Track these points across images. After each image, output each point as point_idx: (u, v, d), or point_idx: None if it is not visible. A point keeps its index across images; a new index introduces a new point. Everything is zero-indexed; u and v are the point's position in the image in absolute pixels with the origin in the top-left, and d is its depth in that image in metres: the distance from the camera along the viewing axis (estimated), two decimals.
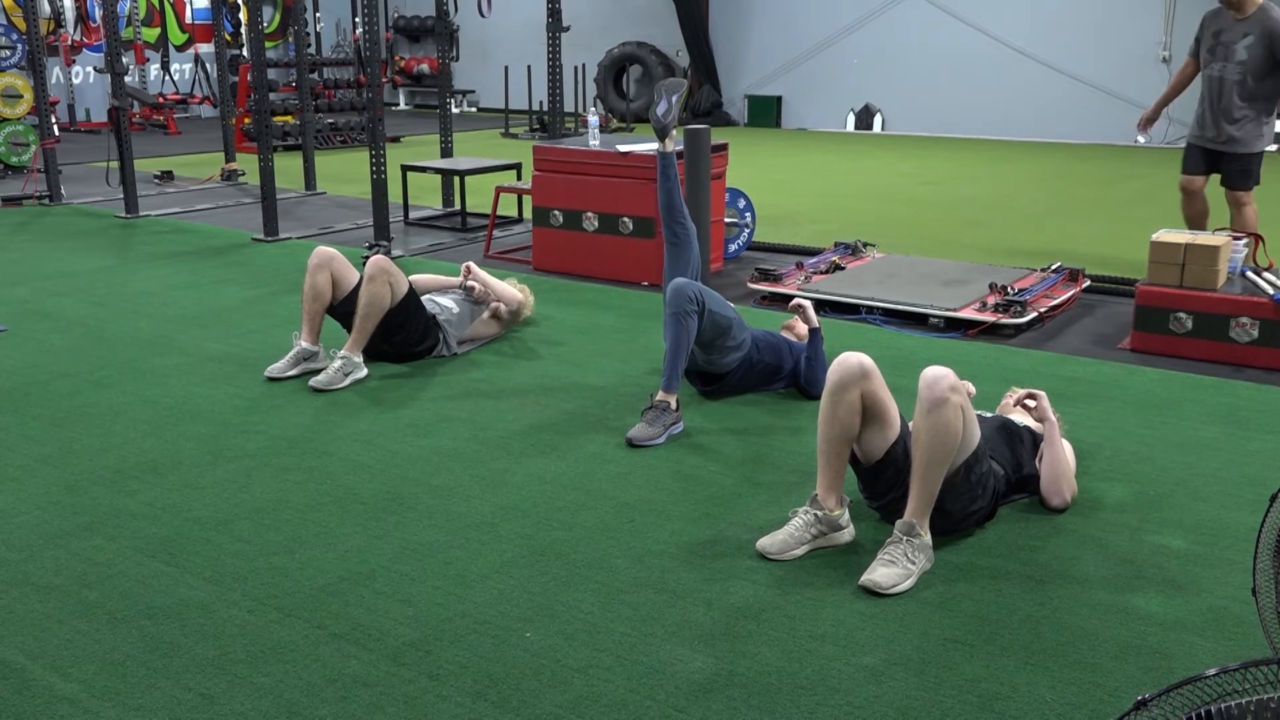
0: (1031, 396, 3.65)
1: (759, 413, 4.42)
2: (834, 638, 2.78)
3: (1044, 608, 2.91)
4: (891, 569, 3.02)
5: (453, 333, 5.18)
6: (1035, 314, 5.64)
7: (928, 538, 3.11)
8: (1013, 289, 5.87)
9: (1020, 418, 3.76)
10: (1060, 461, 3.47)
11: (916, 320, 5.68)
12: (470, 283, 5.35)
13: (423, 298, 5.16)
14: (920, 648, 2.74)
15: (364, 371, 4.86)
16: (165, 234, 8.45)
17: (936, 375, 3.05)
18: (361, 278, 4.91)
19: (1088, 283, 6.31)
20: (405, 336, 5.01)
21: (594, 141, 6.91)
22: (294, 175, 10.78)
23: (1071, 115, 14.83)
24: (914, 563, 3.05)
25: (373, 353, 4.97)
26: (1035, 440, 3.63)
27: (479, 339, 5.36)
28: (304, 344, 4.90)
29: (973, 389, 3.76)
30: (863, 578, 3.02)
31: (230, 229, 8.60)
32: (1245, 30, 6.07)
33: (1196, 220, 6.43)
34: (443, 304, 5.22)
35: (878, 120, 16.40)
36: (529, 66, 16.44)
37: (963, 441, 3.11)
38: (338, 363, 4.79)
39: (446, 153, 9.57)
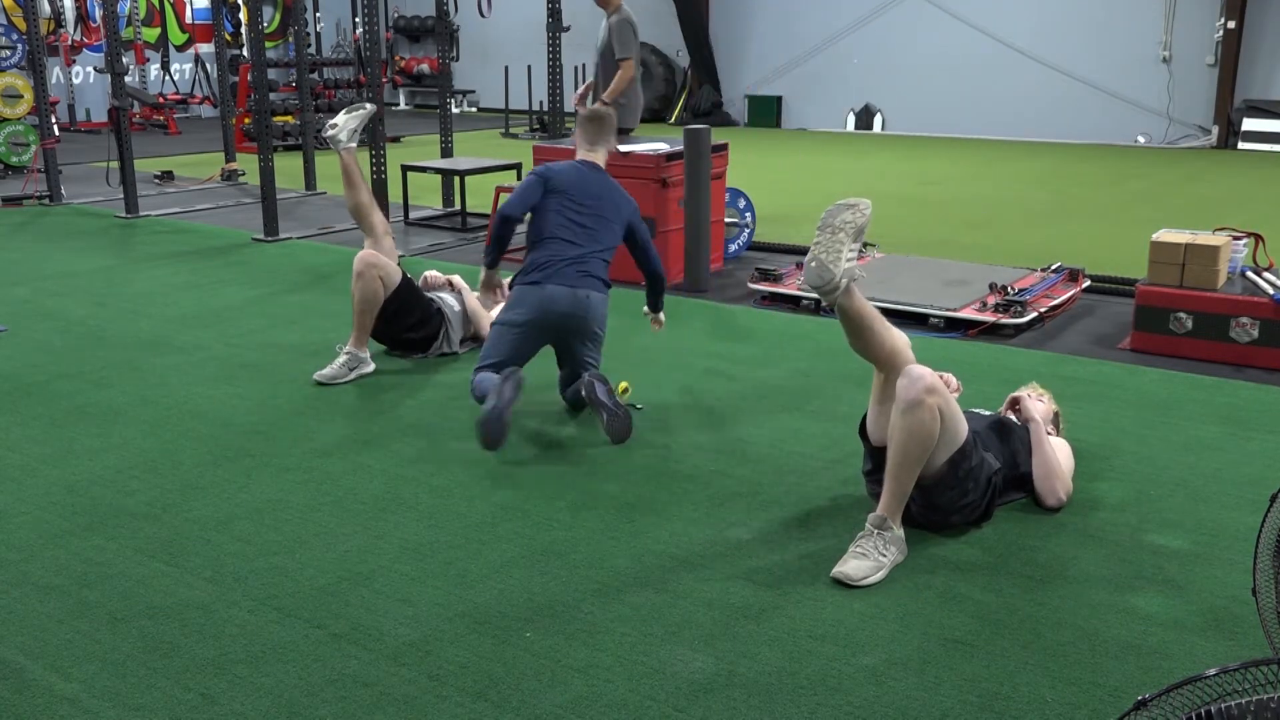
0: (1016, 401, 3.68)
1: (759, 413, 4.42)
2: (834, 638, 2.78)
3: (1044, 608, 2.92)
4: (863, 561, 3.05)
5: (455, 327, 5.18)
6: (1035, 314, 5.64)
7: (900, 531, 3.16)
8: (1013, 289, 5.87)
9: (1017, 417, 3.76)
10: (1049, 461, 3.47)
11: (917, 320, 5.68)
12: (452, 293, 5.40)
13: (428, 294, 5.23)
14: (920, 648, 2.74)
15: (370, 367, 4.89)
16: (165, 234, 8.45)
17: (914, 377, 3.08)
18: (406, 277, 5.03)
19: (1088, 283, 6.31)
20: (401, 323, 5.06)
21: None
22: (294, 175, 10.78)
23: (1072, 115, 14.83)
24: (885, 555, 3.08)
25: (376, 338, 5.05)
26: (1025, 441, 3.63)
27: (481, 337, 5.36)
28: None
29: (957, 385, 3.76)
30: (834, 569, 3.06)
31: (230, 229, 8.60)
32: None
33: None
34: (446, 299, 5.25)
35: (878, 120, 16.40)
36: (529, 66, 16.44)
37: (945, 439, 3.14)
38: (342, 358, 4.82)
39: (447, 153, 9.57)
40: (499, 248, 4.43)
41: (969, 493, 3.26)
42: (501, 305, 5.28)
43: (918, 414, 3.05)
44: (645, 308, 4.73)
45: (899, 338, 3.23)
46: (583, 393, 4.10)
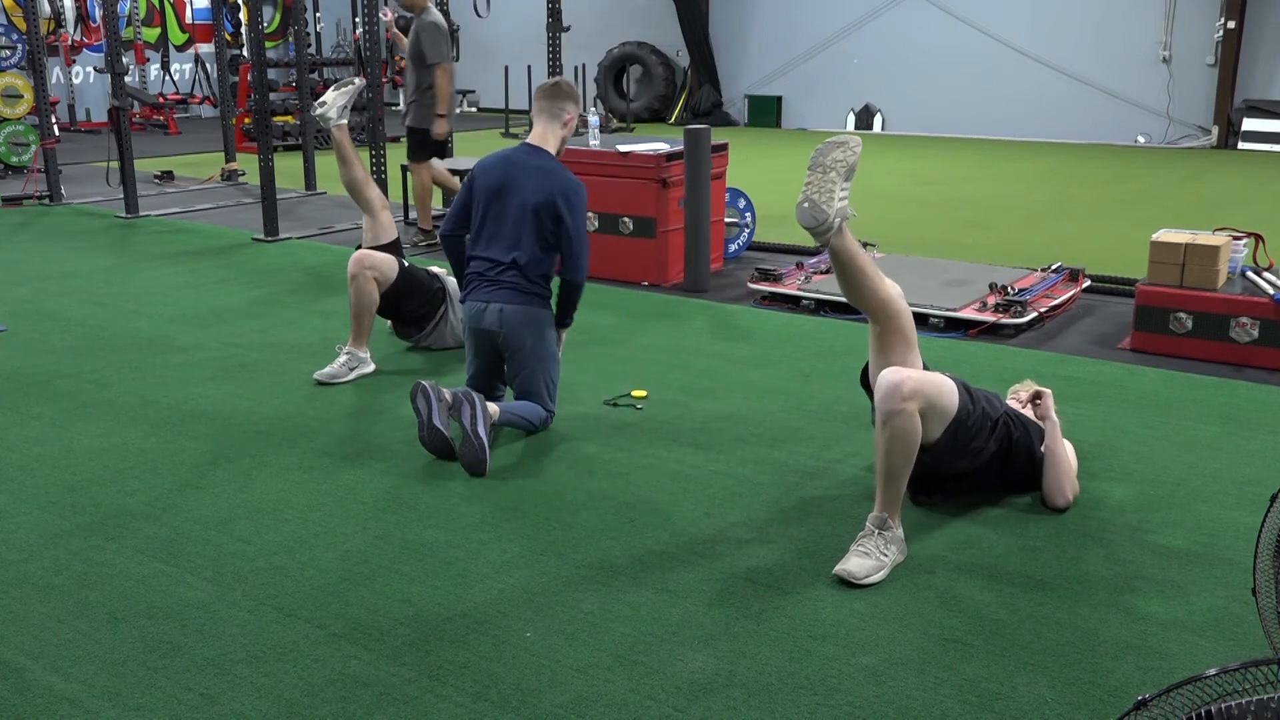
0: (1039, 395, 3.66)
1: (759, 414, 4.42)
2: (834, 638, 2.78)
3: (1044, 608, 2.92)
4: (865, 560, 3.07)
5: (458, 307, 5.10)
6: (1035, 314, 5.64)
7: (900, 531, 3.17)
8: (1013, 289, 5.87)
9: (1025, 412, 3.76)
10: (1063, 460, 3.48)
11: (917, 320, 5.64)
12: None
13: (433, 269, 5.34)
14: (920, 648, 2.74)
15: (370, 367, 4.89)
16: (165, 234, 8.45)
17: (890, 384, 3.08)
18: (403, 267, 5.05)
19: (1088, 283, 6.31)
20: (404, 307, 5.15)
21: (594, 141, 6.91)
22: (294, 175, 10.78)
23: (1072, 115, 14.83)
24: (886, 555, 3.10)
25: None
26: (1041, 432, 3.63)
27: None
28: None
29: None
30: (836, 568, 3.07)
31: (230, 229, 8.60)
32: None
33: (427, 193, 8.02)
34: (449, 280, 5.27)
35: (878, 120, 16.40)
36: (529, 66, 16.44)
37: (935, 419, 3.16)
38: (342, 357, 4.82)
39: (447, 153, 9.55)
40: (461, 271, 4.27)
41: (974, 439, 3.30)
42: None
43: (897, 423, 3.06)
44: None
45: (892, 288, 3.25)
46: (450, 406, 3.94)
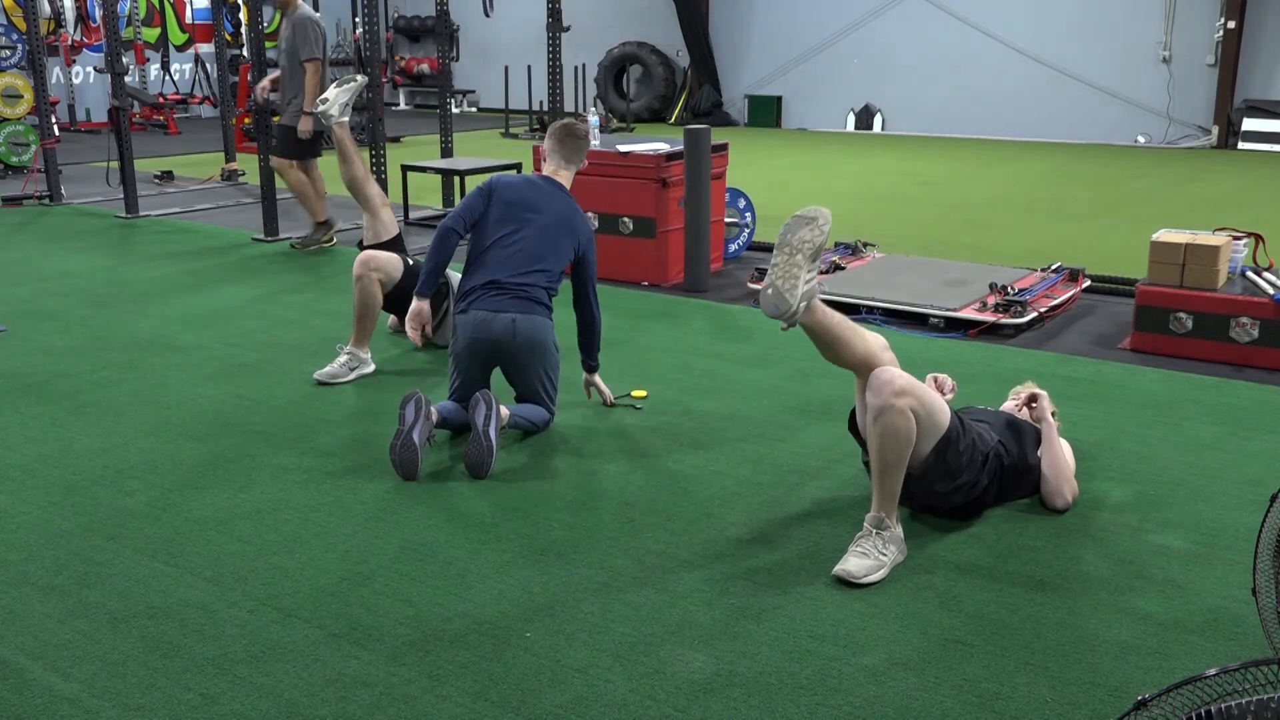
0: (1034, 398, 3.67)
1: (759, 413, 4.43)
2: (834, 638, 2.78)
3: (1044, 608, 2.92)
4: (864, 560, 3.07)
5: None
6: (1035, 314, 5.64)
7: (898, 530, 3.17)
8: (1013, 289, 5.87)
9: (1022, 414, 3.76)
10: (1059, 462, 3.48)
11: (917, 320, 5.68)
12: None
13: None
14: (920, 648, 2.74)
15: (370, 367, 4.90)
16: (165, 234, 8.45)
17: (882, 382, 3.08)
18: (408, 267, 5.02)
19: (1088, 283, 6.31)
20: (408, 305, 5.11)
21: (594, 141, 6.91)
22: None
23: (1071, 115, 14.83)
24: (885, 554, 3.10)
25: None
26: (1038, 435, 3.64)
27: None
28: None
29: (952, 385, 3.77)
30: (835, 568, 3.07)
31: (230, 229, 8.60)
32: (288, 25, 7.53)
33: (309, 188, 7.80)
34: (450, 274, 5.27)
35: (878, 120, 16.40)
36: (529, 66, 16.46)
37: (925, 432, 3.16)
38: (343, 357, 4.83)
39: (447, 153, 9.57)
40: (435, 272, 4.15)
41: (962, 471, 3.28)
42: (417, 336, 4.36)
43: (888, 418, 3.06)
44: (583, 373, 4.45)
45: (873, 341, 3.19)
46: (467, 407, 3.93)
